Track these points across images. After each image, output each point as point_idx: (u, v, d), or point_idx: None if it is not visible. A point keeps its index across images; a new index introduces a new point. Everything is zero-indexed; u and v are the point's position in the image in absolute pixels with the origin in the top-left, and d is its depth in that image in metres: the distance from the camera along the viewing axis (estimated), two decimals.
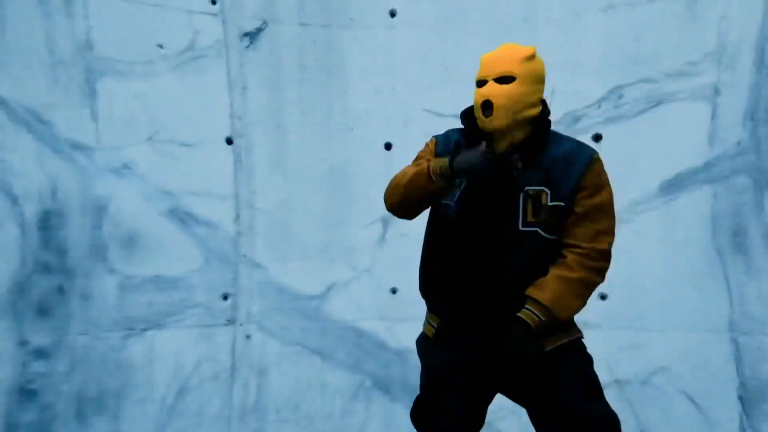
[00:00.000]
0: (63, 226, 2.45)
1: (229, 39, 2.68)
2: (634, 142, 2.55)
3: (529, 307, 1.50)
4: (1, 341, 2.35)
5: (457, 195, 1.57)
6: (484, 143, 1.46)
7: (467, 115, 1.64)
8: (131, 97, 2.55)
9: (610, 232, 1.56)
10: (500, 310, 1.54)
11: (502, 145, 1.55)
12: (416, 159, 1.68)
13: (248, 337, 2.71)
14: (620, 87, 2.55)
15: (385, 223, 2.75)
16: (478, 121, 1.55)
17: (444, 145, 1.63)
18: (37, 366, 2.39)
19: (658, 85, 2.52)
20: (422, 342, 1.72)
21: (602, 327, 2.52)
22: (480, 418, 1.66)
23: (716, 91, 2.45)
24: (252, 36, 2.71)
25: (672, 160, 2.50)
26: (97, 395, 2.49)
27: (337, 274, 2.74)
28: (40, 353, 2.40)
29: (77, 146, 2.48)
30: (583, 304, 1.56)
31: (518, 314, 1.51)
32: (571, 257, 1.52)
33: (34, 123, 2.41)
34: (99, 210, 2.51)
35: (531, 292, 1.52)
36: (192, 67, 2.63)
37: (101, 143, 2.52)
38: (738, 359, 2.42)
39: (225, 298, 2.68)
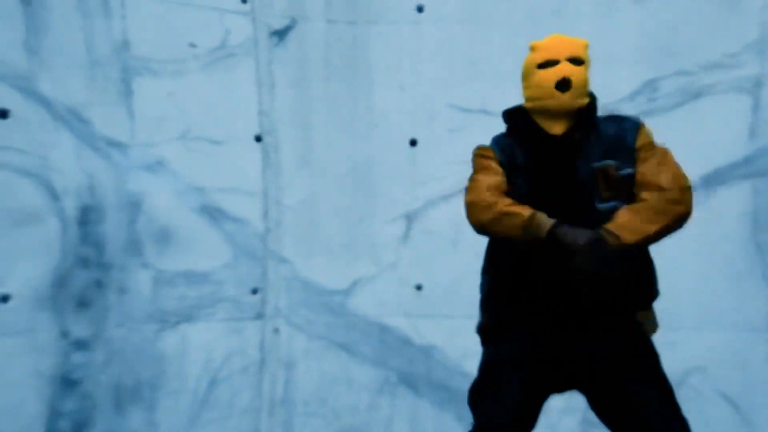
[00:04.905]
0: (100, 222, 2.51)
1: (258, 37, 2.71)
2: (669, 136, 2.44)
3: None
4: (45, 332, 2.42)
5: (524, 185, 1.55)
6: (598, 232, 1.41)
7: (512, 114, 1.64)
8: (164, 95, 2.61)
9: (681, 176, 1.50)
10: (582, 299, 1.49)
11: (558, 127, 1.56)
12: (481, 169, 1.60)
13: (276, 330, 2.75)
14: (655, 80, 2.49)
15: (409, 220, 2.74)
16: (549, 100, 1.53)
17: (501, 153, 1.59)
18: (78, 357, 2.46)
19: (695, 77, 2.44)
20: (486, 328, 1.65)
21: None
22: (535, 413, 1.60)
23: (758, 84, 2.35)
24: (281, 34, 2.74)
25: (710, 155, 2.43)
26: (133, 385, 2.56)
27: (362, 269, 2.74)
28: (80, 344, 2.47)
29: (113, 144, 2.55)
30: (659, 230, 1.46)
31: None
32: (645, 194, 1.48)
33: (74, 121, 2.49)
34: (134, 206, 2.57)
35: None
36: (222, 66, 2.67)
37: (136, 141, 2.58)
38: None
39: (254, 292, 2.72)
